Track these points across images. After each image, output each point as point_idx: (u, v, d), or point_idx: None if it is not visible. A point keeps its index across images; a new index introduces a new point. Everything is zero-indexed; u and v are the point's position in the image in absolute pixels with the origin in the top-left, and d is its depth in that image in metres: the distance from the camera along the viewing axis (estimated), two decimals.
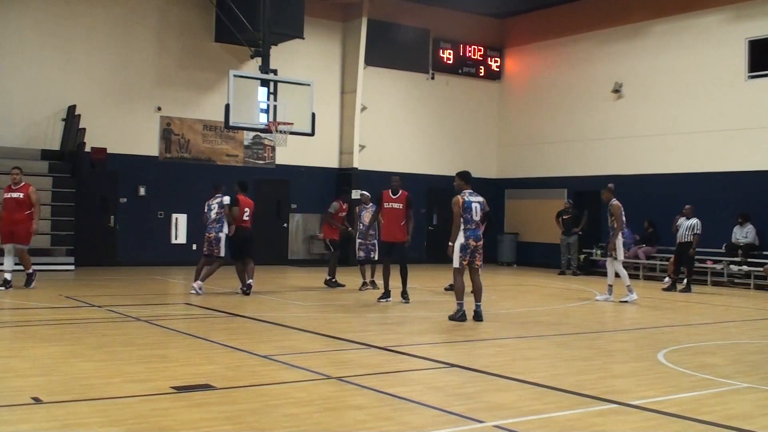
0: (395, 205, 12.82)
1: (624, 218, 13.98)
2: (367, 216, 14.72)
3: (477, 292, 10.74)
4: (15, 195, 13.18)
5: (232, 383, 6.55)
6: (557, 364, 7.87)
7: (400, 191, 12.92)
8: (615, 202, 13.81)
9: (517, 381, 6.87)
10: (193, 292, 13.23)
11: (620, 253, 13.85)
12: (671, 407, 5.99)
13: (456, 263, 10.63)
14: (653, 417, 5.74)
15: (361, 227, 14.79)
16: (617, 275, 13.86)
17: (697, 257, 17.38)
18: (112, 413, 5.50)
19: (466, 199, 10.60)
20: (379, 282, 13.78)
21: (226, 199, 13.84)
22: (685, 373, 7.49)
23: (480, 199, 10.78)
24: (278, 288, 15.57)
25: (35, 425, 5.18)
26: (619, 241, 13.80)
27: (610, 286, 13.92)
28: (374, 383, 6.60)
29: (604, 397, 6.30)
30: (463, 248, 10.54)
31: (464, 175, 10.95)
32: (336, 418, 5.55)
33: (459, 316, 10.62)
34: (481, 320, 10.58)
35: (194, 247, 20.21)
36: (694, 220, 16.56)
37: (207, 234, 13.85)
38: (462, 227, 10.52)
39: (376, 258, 14.66)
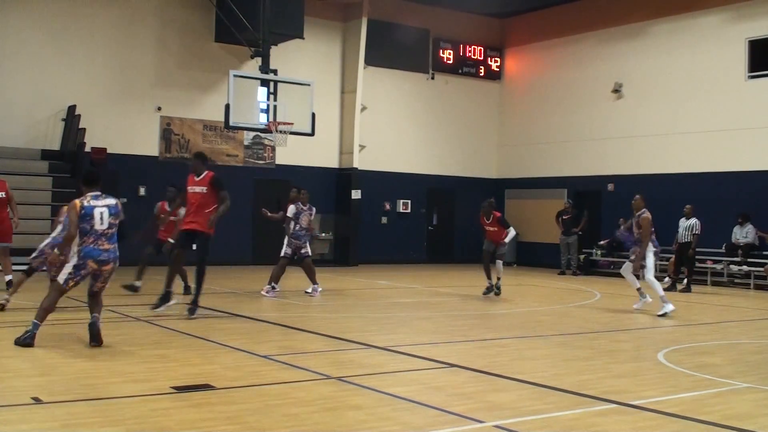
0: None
1: (653, 229, 12.56)
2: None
3: None
4: None
5: (232, 383, 6.55)
6: (557, 364, 7.87)
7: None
8: (646, 214, 12.43)
9: (517, 381, 6.87)
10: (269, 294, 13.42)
11: (651, 266, 12.36)
12: (671, 407, 5.99)
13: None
14: (653, 417, 5.74)
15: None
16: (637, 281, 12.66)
17: (697, 257, 17.39)
18: (112, 413, 5.50)
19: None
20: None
21: (291, 209, 14.09)
22: (685, 373, 7.49)
23: None
24: (278, 288, 15.55)
25: (35, 425, 5.18)
26: (650, 251, 12.38)
27: (639, 289, 12.57)
28: (374, 383, 6.60)
29: (604, 397, 6.30)
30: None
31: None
32: (336, 418, 5.55)
33: None
34: None
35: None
36: (693, 220, 16.57)
37: (295, 240, 13.65)
38: None
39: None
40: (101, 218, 8.02)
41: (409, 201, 23.72)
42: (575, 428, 5.42)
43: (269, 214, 14.55)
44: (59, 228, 9.62)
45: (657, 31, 21.07)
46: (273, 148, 21.39)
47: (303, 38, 19.88)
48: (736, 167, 19.03)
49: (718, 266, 18.37)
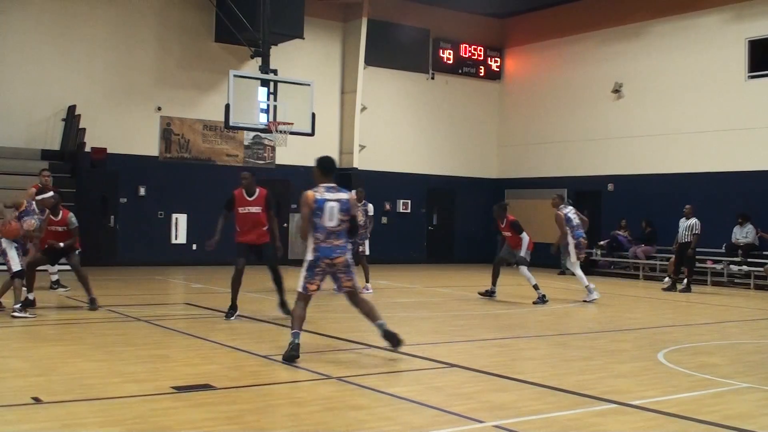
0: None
1: (574, 222, 14.07)
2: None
3: None
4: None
5: (232, 383, 6.55)
6: (557, 364, 7.87)
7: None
8: (557, 212, 14.23)
9: (517, 381, 6.87)
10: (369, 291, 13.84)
11: (573, 256, 14.07)
12: (671, 407, 5.99)
13: None
14: (653, 417, 5.74)
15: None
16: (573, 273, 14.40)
17: (697, 257, 17.37)
18: (112, 413, 5.50)
19: None
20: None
21: (370, 207, 14.61)
22: (685, 373, 7.49)
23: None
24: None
25: (35, 425, 5.18)
26: (570, 244, 14.06)
27: (587, 285, 13.85)
28: (374, 383, 6.60)
29: (604, 397, 6.30)
30: None
31: None
32: (336, 418, 5.55)
33: None
34: None
35: (194, 247, 20.25)
36: (693, 220, 16.56)
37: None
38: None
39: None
40: (331, 214, 7.47)
41: (409, 201, 23.72)
42: (575, 428, 5.42)
43: None
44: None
45: (657, 31, 21.07)
46: (273, 148, 21.39)
47: (303, 38, 19.89)
48: (736, 167, 19.02)
49: (718, 266, 18.36)
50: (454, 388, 6.61)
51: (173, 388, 6.23)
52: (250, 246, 10.43)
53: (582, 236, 14.00)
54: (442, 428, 5.34)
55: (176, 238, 20.09)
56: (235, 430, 5.19)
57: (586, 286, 13.79)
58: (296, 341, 7.43)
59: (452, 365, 7.54)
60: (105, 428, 5.12)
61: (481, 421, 5.48)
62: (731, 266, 18.11)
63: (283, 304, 10.51)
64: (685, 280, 16.66)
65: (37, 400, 5.73)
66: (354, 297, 7.84)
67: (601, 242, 21.18)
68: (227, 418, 5.42)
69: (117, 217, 19.46)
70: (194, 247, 20.26)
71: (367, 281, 14.16)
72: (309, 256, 7.56)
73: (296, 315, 7.64)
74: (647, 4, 21.28)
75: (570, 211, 14.16)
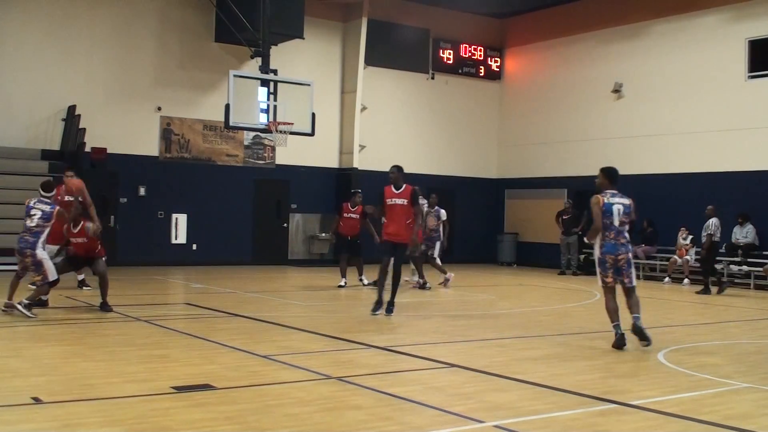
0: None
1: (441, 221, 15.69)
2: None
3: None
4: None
5: (232, 383, 6.55)
6: (557, 364, 7.87)
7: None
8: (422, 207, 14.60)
9: (517, 381, 6.87)
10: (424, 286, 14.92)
11: (437, 250, 15.62)
12: (671, 407, 5.99)
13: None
14: (653, 417, 5.74)
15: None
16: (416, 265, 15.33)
17: (697, 257, 17.35)
18: (112, 413, 5.50)
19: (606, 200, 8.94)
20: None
21: (443, 213, 15.86)
22: (685, 373, 7.49)
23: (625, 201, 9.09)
24: (278, 288, 15.58)
25: (35, 425, 5.18)
26: (438, 241, 15.67)
27: (445, 273, 15.58)
28: (374, 383, 6.60)
29: (604, 397, 6.30)
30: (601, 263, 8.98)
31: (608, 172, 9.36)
32: (336, 418, 5.55)
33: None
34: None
35: (194, 247, 20.25)
36: (710, 220, 16.33)
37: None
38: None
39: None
40: (617, 214, 8.83)
41: None
42: (575, 428, 5.42)
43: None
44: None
45: (657, 31, 21.07)
46: (273, 148, 21.39)
47: (303, 38, 19.88)
48: (736, 167, 19.02)
49: (718, 266, 18.34)
50: (454, 388, 6.61)
51: (173, 388, 6.23)
52: (393, 244, 11.19)
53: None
54: (442, 428, 5.34)
55: (176, 238, 20.09)
56: (235, 430, 5.19)
57: (444, 274, 15.51)
58: (620, 331, 8.68)
59: (452, 365, 7.54)
60: (105, 428, 5.12)
61: (481, 421, 5.48)
62: (731, 266, 18.11)
63: (390, 304, 11.25)
64: (709, 282, 16.08)
65: (37, 400, 5.73)
66: (629, 291, 8.90)
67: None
68: (227, 418, 5.42)
69: (117, 217, 19.45)
70: (194, 247, 20.27)
71: (444, 272, 15.67)
72: (598, 254, 8.96)
73: (610, 308, 8.87)
74: (647, 4, 21.28)
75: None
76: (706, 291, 15.98)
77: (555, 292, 15.96)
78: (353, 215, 15.45)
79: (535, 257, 23.47)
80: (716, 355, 8.66)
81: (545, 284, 17.80)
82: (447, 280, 15.65)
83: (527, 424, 5.46)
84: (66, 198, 12.58)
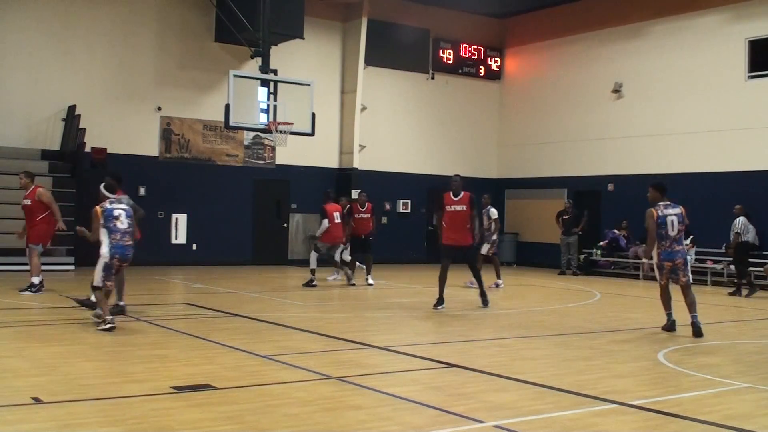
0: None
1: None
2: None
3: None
4: (24, 202, 12.94)
5: (232, 383, 6.55)
6: (557, 364, 7.87)
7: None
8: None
9: (517, 381, 6.87)
10: (493, 286, 15.31)
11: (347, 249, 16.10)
12: (671, 407, 6.00)
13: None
14: (653, 417, 5.74)
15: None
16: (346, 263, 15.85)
17: (697, 257, 17.32)
18: (112, 413, 5.50)
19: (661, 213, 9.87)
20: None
21: (494, 212, 16.14)
22: (685, 373, 7.49)
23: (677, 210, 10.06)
24: (278, 288, 15.58)
25: (35, 425, 5.18)
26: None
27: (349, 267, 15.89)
28: (374, 383, 6.60)
29: (604, 397, 6.30)
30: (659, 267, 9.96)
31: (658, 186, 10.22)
32: (336, 418, 5.55)
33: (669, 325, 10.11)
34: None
35: (194, 247, 20.26)
36: (737, 219, 16.21)
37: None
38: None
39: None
40: (672, 225, 9.71)
41: (409, 201, 23.72)
42: (575, 428, 5.42)
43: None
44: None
45: (657, 31, 21.07)
46: (273, 148, 21.39)
47: (303, 38, 19.88)
48: (736, 167, 19.02)
49: (718, 266, 18.36)
50: (454, 388, 6.61)
51: (173, 388, 6.23)
52: (454, 247, 11.93)
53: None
54: (442, 428, 5.34)
55: (176, 238, 20.09)
56: (235, 430, 5.19)
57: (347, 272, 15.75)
58: (673, 318, 9.98)
59: (452, 365, 7.54)
60: (105, 428, 5.12)
61: (481, 421, 5.48)
62: (731, 266, 18.08)
63: (483, 295, 12.33)
64: (742, 283, 15.93)
65: (37, 400, 5.73)
66: (685, 289, 9.88)
67: (601, 242, 21.19)
68: (227, 418, 5.42)
69: None
70: (194, 247, 20.28)
71: (498, 278, 16.07)
72: (656, 260, 9.84)
73: (664, 299, 9.99)
74: (647, 4, 21.28)
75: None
76: (737, 293, 15.82)
77: (555, 292, 15.96)
78: (364, 215, 15.95)
79: (535, 257, 23.47)
80: (716, 355, 8.66)
81: (545, 284, 17.80)
82: (497, 285, 15.90)
83: (527, 424, 5.46)
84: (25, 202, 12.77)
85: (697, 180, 19.58)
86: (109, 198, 9.72)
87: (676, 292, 10.06)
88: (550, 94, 23.70)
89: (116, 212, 9.46)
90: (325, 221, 15.17)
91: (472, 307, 12.56)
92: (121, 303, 10.43)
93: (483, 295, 12.32)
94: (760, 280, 17.51)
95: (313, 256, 15.41)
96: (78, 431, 5.06)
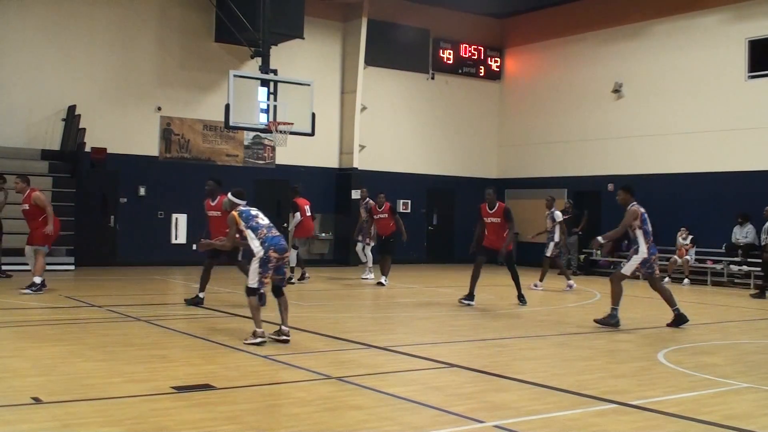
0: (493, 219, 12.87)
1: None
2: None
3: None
4: (22, 207, 12.96)
5: (232, 383, 6.55)
6: (557, 364, 7.87)
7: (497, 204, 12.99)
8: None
9: (517, 381, 6.87)
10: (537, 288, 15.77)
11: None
12: (671, 407, 6.00)
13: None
14: (653, 417, 5.74)
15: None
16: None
17: (696, 257, 17.33)
18: (112, 413, 5.50)
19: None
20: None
21: (558, 215, 16.51)
22: (685, 373, 7.49)
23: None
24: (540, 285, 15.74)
25: (35, 425, 5.18)
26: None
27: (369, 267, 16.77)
28: (374, 383, 6.60)
29: (604, 397, 6.30)
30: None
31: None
32: (336, 418, 5.55)
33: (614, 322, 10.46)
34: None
35: (194, 247, 20.19)
36: None
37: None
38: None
39: None
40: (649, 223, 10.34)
41: (409, 201, 23.71)
42: (575, 428, 5.42)
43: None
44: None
45: (657, 31, 21.07)
46: (273, 148, 21.39)
47: (303, 38, 19.88)
48: (736, 167, 19.02)
49: (718, 266, 18.36)
50: (454, 388, 6.61)
51: (173, 388, 6.23)
52: (490, 249, 12.74)
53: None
54: (442, 428, 5.34)
55: (176, 238, 20.07)
56: (235, 430, 5.19)
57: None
58: (679, 310, 10.55)
59: (452, 365, 7.54)
60: (105, 428, 5.12)
61: (481, 421, 5.48)
62: (731, 266, 18.11)
63: (520, 297, 12.94)
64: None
65: (37, 400, 5.73)
66: (659, 282, 10.65)
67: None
68: (227, 418, 5.42)
69: (117, 217, 19.45)
70: (194, 247, 20.24)
71: (541, 279, 16.47)
72: (645, 255, 10.29)
73: (619, 293, 10.39)
74: (647, 4, 21.28)
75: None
76: (760, 295, 15.63)
77: (555, 292, 15.96)
78: (382, 215, 16.22)
79: (535, 257, 23.42)
80: (716, 355, 8.66)
81: (545, 284, 17.79)
82: (570, 286, 16.15)
83: (527, 424, 5.46)
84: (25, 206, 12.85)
85: (697, 180, 19.58)
86: (238, 204, 9.40)
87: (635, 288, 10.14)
88: (550, 94, 23.69)
89: (253, 211, 9.18)
90: (297, 215, 15.44)
91: (472, 307, 12.56)
92: (201, 295, 11.65)
93: (520, 297, 12.89)
94: (760, 280, 17.50)
95: (293, 254, 15.36)
96: (78, 431, 5.06)
